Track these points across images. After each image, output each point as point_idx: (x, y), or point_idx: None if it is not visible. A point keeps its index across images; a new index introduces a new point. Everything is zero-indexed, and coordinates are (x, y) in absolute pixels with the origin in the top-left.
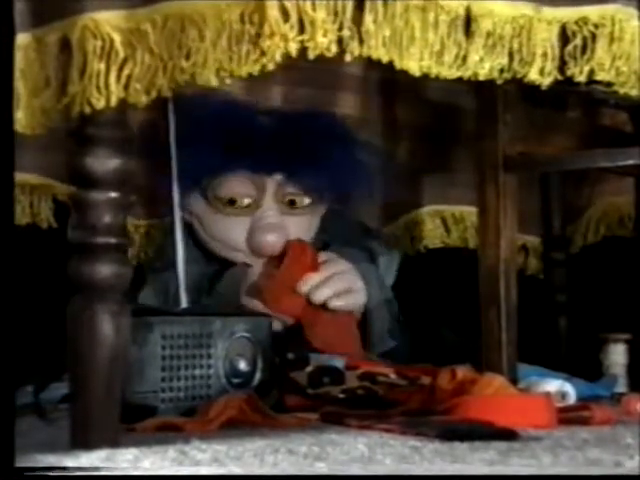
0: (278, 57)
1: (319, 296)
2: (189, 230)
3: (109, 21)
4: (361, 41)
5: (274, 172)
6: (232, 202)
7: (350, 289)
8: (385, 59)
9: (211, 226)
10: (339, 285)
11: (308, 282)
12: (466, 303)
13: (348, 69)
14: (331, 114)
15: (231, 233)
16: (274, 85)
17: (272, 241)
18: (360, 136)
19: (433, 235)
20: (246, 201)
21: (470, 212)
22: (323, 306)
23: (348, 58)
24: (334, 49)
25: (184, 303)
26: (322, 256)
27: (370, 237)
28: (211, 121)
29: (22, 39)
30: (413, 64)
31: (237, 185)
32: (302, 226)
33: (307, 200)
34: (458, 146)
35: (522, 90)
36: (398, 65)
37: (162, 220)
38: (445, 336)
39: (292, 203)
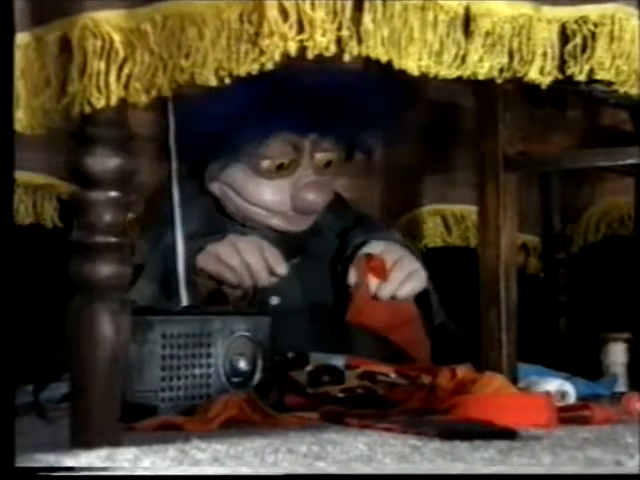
0: (277, 56)
1: (385, 292)
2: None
3: (109, 20)
4: (360, 41)
5: (311, 131)
6: (274, 166)
7: (411, 273)
8: (384, 59)
9: (253, 192)
10: (400, 274)
11: (372, 285)
12: (468, 302)
13: (350, 68)
14: (363, 73)
15: (275, 196)
16: None
17: (314, 199)
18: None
19: (434, 234)
20: (286, 163)
21: (471, 211)
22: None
23: (347, 58)
24: (333, 49)
25: (184, 302)
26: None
27: (385, 228)
28: (246, 88)
29: (22, 38)
30: (412, 64)
31: (279, 149)
32: (329, 184)
33: (334, 158)
34: (459, 145)
35: (522, 89)
36: (397, 65)
37: None
38: (447, 328)
39: (326, 164)
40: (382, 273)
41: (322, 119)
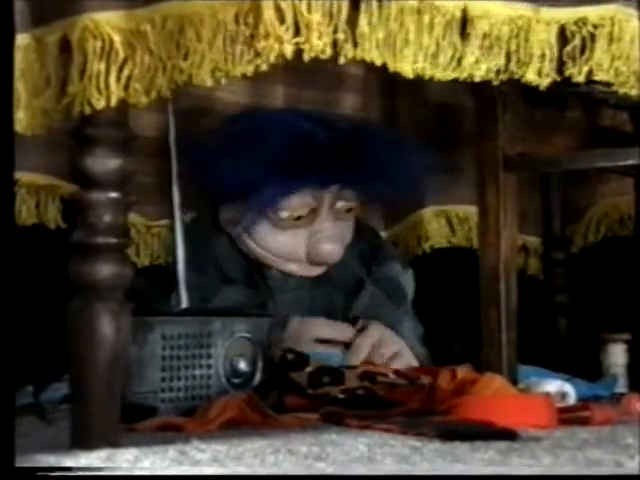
0: (272, 58)
1: None
2: (230, 239)
3: (109, 21)
4: (355, 44)
5: (332, 184)
6: (292, 218)
7: (394, 355)
8: (378, 62)
9: (267, 240)
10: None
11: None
12: (472, 302)
13: (350, 70)
14: (379, 125)
15: (290, 246)
16: (277, 86)
17: (331, 250)
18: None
19: (439, 235)
20: (305, 214)
21: (474, 212)
22: None
23: (342, 61)
24: (329, 51)
25: (184, 303)
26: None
27: (389, 259)
28: (271, 146)
29: (22, 39)
30: (407, 66)
31: (298, 200)
32: (349, 228)
33: (356, 205)
34: (462, 145)
35: (522, 90)
36: (392, 68)
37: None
38: (455, 351)
39: (346, 210)
40: None
41: (344, 172)
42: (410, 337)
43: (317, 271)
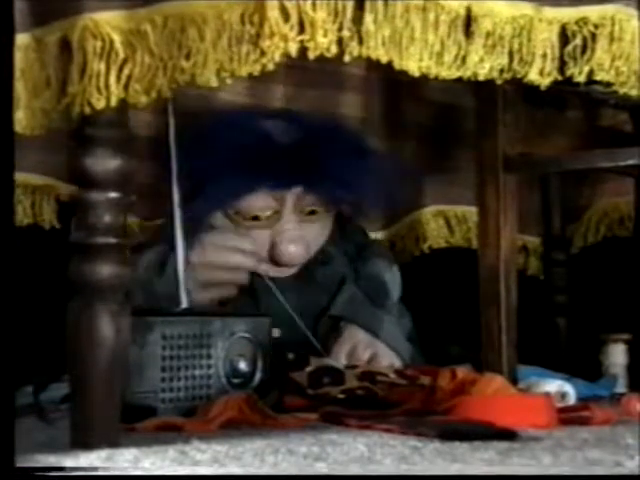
0: (278, 57)
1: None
2: None
3: (109, 21)
4: (361, 41)
5: (293, 186)
6: (254, 217)
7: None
8: (384, 59)
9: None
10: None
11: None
12: (470, 303)
13: (350, 70)
14: (342, 125)
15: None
16: (277, 85)
17: (294, 252)
18: (369, 142)
19: (437, 235)
20: (267, 214)
21: (473, 212)
22: None
23: (347, 58)
24: (334, 49)
25: (184, 303)
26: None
27: (374, 257)
28: (230, 144)
29: (22, 39)
30: (412, 64)
31: (258, 201)
32: (318, 232)
33: (323, 207)
34: (461, 146)
35: (522, 90)
36: (397, 65)
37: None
38: (452, 353)
39: (310, 212)
40: None
41: (304, 174)
42: (393, 336)
43: (287, 272)
